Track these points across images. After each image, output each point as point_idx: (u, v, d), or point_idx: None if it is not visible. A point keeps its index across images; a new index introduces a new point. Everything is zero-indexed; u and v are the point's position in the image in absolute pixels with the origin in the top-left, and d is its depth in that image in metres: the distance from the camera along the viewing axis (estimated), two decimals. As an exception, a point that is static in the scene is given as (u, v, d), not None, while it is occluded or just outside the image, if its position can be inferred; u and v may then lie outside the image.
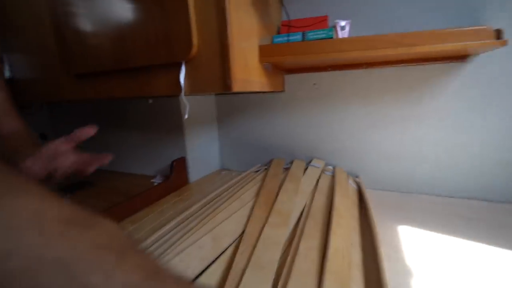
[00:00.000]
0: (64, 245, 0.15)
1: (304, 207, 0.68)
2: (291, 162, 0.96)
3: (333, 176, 0.85)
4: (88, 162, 0.44)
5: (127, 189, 0.90)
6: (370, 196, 0.75)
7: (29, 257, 0.13)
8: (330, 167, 0.91)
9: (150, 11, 0.55)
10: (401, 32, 0.58)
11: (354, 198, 0.76)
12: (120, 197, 0.81)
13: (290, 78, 0.91)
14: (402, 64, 0.77)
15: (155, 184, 0.92)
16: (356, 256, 0.52)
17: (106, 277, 0.15)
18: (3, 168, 0.17)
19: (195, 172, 0.98)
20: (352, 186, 0.84)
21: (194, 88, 0.58)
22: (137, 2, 0.56)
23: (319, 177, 0.84)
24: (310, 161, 0.94)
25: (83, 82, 0.73)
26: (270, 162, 0.99)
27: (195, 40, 0.53)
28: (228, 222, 0.59)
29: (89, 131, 0.46)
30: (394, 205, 0.76)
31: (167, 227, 0.61)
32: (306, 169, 0.89)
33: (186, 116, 0.63)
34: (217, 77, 0.55)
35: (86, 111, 1.14)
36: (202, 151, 1.02)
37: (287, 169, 0.91)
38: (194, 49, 0.54)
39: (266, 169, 0.95)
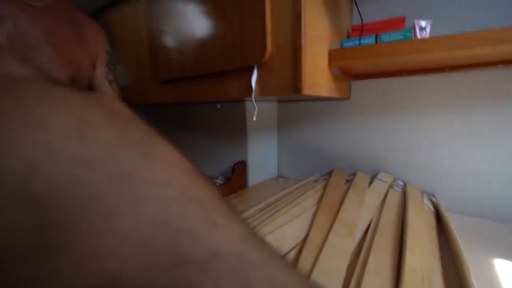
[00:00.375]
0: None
1: (371, 221, 0.62)
2: (354, 174, 0.90)
3: (403, 193, 0.77)
4: None
5: (192, 187, 0.97)
6: (451, 220, 0.65)
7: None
8: (400, 183, 0.83)
9: (228, 19, 0.60)
10: (499, 27, 0.50)
11: (431, 219, 0.67)
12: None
13: (357, 85, 0.87)
14: (496, 66, 0.66)
15: (217, 184, 0.97)
16: (437, 283, 0.45)
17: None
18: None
19: (253, 177, 1.00)
20: (428, 206, 0.74)
21: (265, 91, 0.60)
22: (217, 11, 0.62)
23: (387, 192, 0.77)
24: (376, 175, 0.87)
25: (166, 88, 0.83)
26: (331, 172, 0.95)
27: (269, 45, 0.56)
28: (289, 226, 0.58)
29: None
30: (485, 234, 0.64)
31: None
32: (371, 182, 0.82)
33: (255, 118, 0.66)
34: (287, 80, 0.56)
35: (161, 113, 1.29)
36: (262, 156, 1.04)
37: (349, 181, 0.86)
38: (267, 54, 0.57)
39: (326, 179, 0.91)
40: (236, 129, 0.98)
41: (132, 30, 0.89)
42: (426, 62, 0.66)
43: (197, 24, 0.68)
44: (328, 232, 0.54)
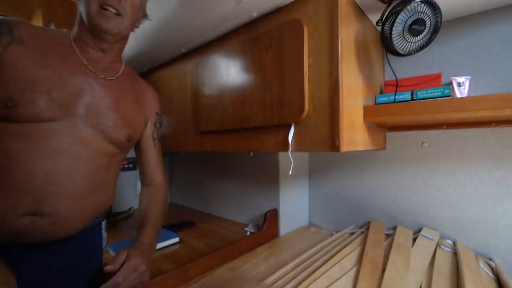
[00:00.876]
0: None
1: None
2: (394, 228, 0.84)
3: (454, 254, 0.70)
4: None
5: (223, 234, 0.96)
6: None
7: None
8: (449, 242, 0.75)
9: (268, 82, 0.66)
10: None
11: (492, 289, 0.59)
12: (217, 241, 0.88)
13: (392, 136, 0.86)
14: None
15: (248, 233, 0.95)
16: None
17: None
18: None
19: (285, 225, 0.98)
20: (485, 271, 0.66)
21: (301, 146, 0.62)
22: (257, 74, 0.68)
23: (434, 252, 0.70)
24: (419, 230, 0.81)
25: (205, 138, 0.89)
26: (367, 224, 0.89)
27: (306, 105, 0.59)
28: (330, 290, 0.55)
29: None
30: None
31: (265, 283, 0.61)
32: (414, 239, 0.76)
33: (291, 172, 0.67)
34: (324, 138, 0.58)
35: (196, 159, 1.35)
36: (293, 204, 1.02)
37: (389, 236, 0.80)
38: (305, 113, 0.60)
39: (362, 232, 0.86)
40: (268, 177, 0.99)
41: (178, 87, 0.99)
42: (469, 119, 0.64)
43: (237, 84, 0.74)
44: (374, 302, 0.49)
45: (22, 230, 0.47)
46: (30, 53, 0.48)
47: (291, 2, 0.63)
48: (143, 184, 0.70)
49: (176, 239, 0.89)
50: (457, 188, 0.76)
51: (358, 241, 0.78)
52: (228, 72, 0.77)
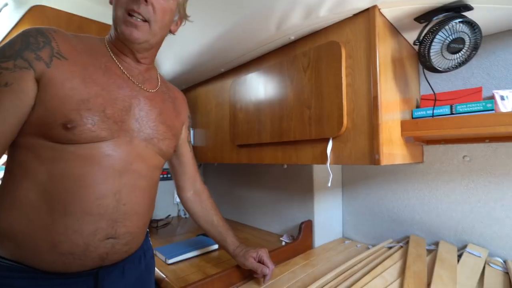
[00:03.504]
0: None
1: (470, 306, 0.55)
2: (436, 244, 0.82)
3: (506, 273, 0.67)
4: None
5: (258, 243, 1.00)
6: None
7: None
8: (499, 260, 0.72)
9: (307, 98, 0.70)
10: None
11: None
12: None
13: (431, 149, 0.86)
14: None
15: (283, 242, 0.98)
16: None
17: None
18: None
19: (319, 237, 0.99)
20: (541, 292, 0.62)
21: (339, 160, 0.65)
22: (297, 91, 0.73)
23: (483, 270, 0.68)
24: (464, 247, 0.78)
25: (242, 151, 0.95)
26: (406, 239, 0.88)
27: (345, 121, 0.62)
28: (372, 301, 0.56)
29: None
30: None
31: (305, 290, 0.63)
32: (459, 255, 0.74)
33: (329, 184, 0.69)
34: (364, 152, 0.60)
35: (229, 170, 1.42)
36: (327, 216, 1.03)
37: (430, 251, 0.78)
38: (343, 128, 0.63)
39: (401, 246, 0.85)
40: (302, 188, 1.02)
41: (216, 103, 1.07)
42: (514, 132, 0.63)
43: (275, 101, 0.80)
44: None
45: (105, 255, 0.47)
46: (74, 69, 0.45)
47: (328, 26, 0.68)
48: (184, 189, 0.73)
49: (216, 246, 0.94)
50: (505, 204, 0.73)
51: (397, 255, 0.78)
52: (266, 89, 0.83)
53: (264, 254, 0.70)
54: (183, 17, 0.60)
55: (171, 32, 0.58)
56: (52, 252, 0.43)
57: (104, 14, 1.07)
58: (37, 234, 0.43)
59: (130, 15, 0.48)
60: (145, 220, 0.55)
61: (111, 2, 0.52)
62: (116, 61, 0.52)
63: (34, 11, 0.97)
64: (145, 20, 0.49)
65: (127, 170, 0.49)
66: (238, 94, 0.94)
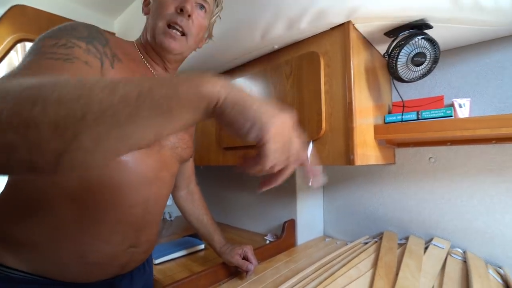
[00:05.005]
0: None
1: (433, 290, 0.62)
2: (406, 238, 0.89)
3: (464, 262, 0.75)
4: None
5: (244, 243, 1.02)
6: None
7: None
8: (459, 250, 0.80)
9: (289, 103, 0.75)
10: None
11: (501, 294, 0.64)
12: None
13: (401, 151, 0.93)
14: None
15: (268, 241, 1.02)
16: None
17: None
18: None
19: (301, 235, 1.04)
20: (495, 278, 0.70)
21: (319, 161, 0.70)
22: (280, 96, 0.78)
23: (445, 259, 0.75)
24: (430, 240, 0.86)
25: (228, 153, 0.98)
26: (381, 235, 0.95)
27: (324, 124, 0.68)
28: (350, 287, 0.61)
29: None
30: None
31: (287, 284, 0.67)
32: (426, 248, 0.81)
33: (310, 183, 0.74)
34: (340, 153, 0.66)
35: (214, 172, 1.44)
36: (309, 215, 1.09)
37: (401, 245, 0.86)
38: (322, 131, 0.68)
39: (376, 241, 0.91)
40: (285, 188, 1.06)
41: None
42: (470, 136, 0.72)
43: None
44: (389, 300, 0.55)
45: (125, 263, 0.47)
46: (127, 73, 0.44)
47: (308, 37, 0.74)
48: (178, 188, 0.76)
49: (202, 246, 0.97)
50: (464, 200, 0.81)
51: (372, 249, 0.84)
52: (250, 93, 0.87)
53: (248, 250, 0.74)
54: (210, 35, 0.62)
55: (198, 47, 0.59)
56: (78, 262, 0.42)
57: (86, 15, 1.08)
58: (62, 243, 0.41)
59: (170, 26, 0.49)
60: (159, 228, 0.57)
61: (146, 13, 0.53)
62: (150, 68, 0.52)
63: (15, 11, 0.96)
64: (183, 34, 0.50)
65: (156, 178, 0.49)
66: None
